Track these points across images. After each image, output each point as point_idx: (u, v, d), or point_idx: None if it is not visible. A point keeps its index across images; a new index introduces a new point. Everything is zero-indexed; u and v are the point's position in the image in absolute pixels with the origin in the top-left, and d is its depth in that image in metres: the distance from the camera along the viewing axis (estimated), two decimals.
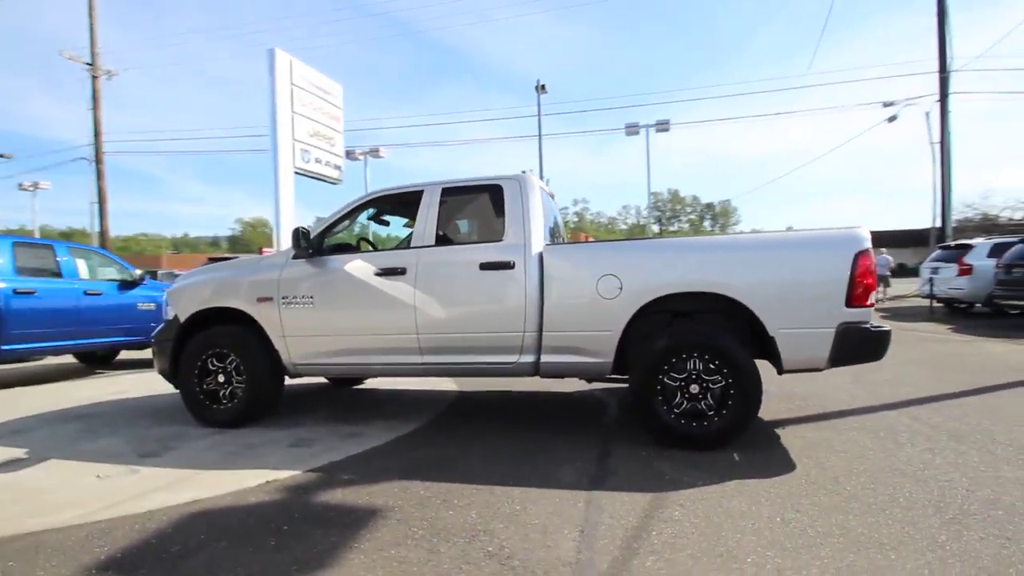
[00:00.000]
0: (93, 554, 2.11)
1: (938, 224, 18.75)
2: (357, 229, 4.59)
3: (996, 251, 10.71)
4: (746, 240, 3.33)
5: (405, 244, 3.86)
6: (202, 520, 2.40)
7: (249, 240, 78.57)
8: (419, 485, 2.76)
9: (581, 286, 3.39)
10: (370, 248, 4.54)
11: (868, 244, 3.10)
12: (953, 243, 12.57)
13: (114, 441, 3.67)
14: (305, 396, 5.07)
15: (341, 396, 5.03)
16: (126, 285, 7.14)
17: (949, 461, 2.95)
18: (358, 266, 3.78)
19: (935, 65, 18.42)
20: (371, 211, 4.35)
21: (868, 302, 3.09)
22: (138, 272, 7.30)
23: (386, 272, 3.70)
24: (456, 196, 3.85)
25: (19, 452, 3.48)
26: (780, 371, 3.26)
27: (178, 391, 4.11)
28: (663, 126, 19.33)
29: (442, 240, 3.73)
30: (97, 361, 7.92)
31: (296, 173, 16.74)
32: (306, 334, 3.84)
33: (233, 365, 3.97)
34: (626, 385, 3.51)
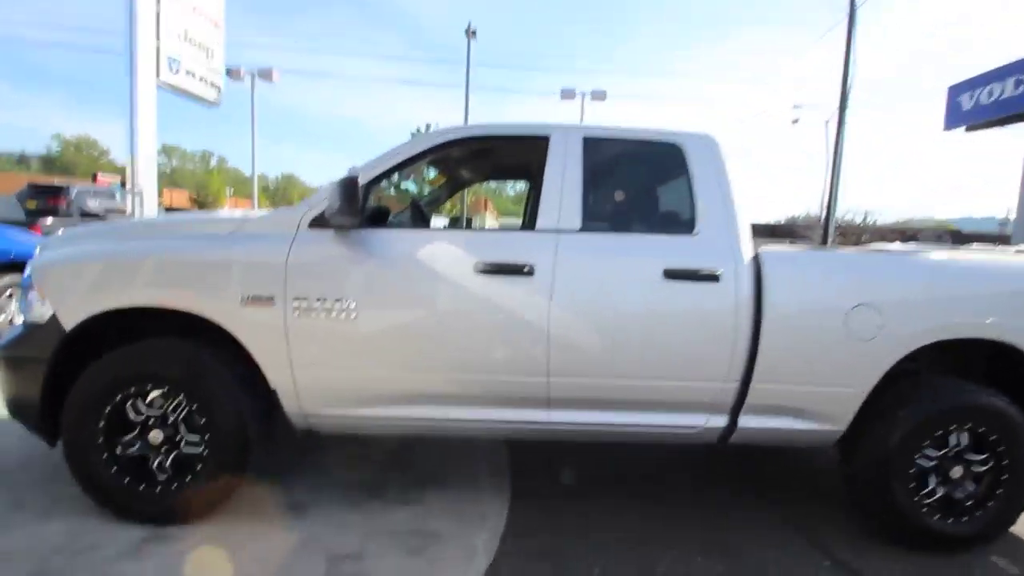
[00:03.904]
0: None
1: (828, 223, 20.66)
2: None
3: None
4: None
5: (527, 221, 2.33)
6: None
7: (71, 163, 64.15)
8: None
9: (822, 317, 2.21)
10: (421, 220, 2.86)
11: None
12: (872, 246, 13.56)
13: None
14: None
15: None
16: None
17: None
18: (442, 253, 2.18)
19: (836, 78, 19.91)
20: (440, 158, 2.67)
21: None
22: None
23: (498, 269, 2.16)
24: (605, 152, 2.38)
25: None
26: None
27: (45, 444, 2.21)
28: (599, 96, 18.48)
29: (588, 223, 2.27)
30: None
31: (160, 87, 13.23)
32: (338, 366, 2.17)
33: (182, 412, 2.16)
34: None
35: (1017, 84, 16.94)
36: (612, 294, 2.19)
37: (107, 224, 2.57)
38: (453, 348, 2.18)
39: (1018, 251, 2.75)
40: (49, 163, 65.66)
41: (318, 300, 2.13)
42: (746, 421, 2.30)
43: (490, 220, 41.19)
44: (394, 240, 2.22)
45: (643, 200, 2.54)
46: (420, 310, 2.17)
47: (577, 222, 2.24)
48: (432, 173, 3.78)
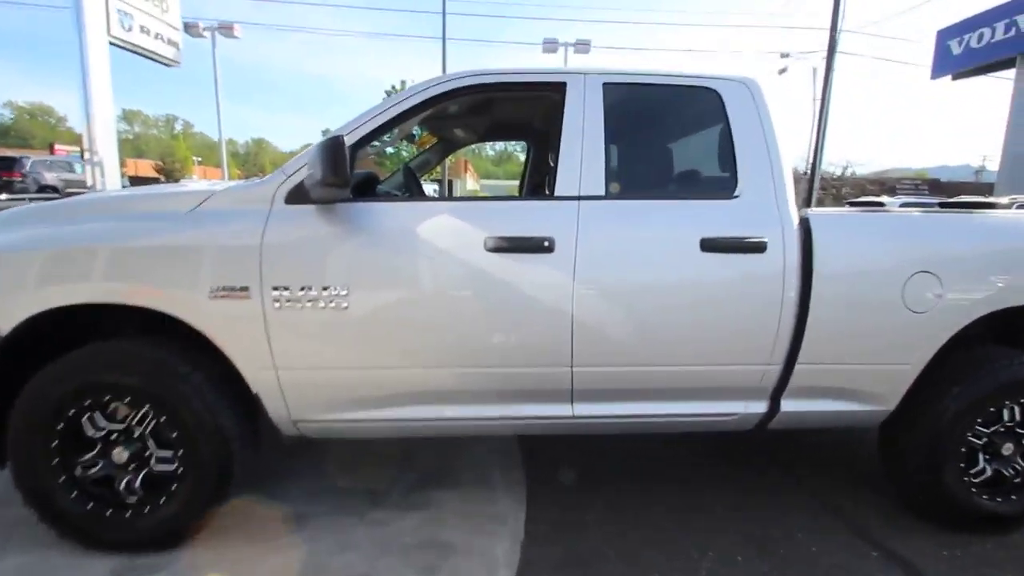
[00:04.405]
0: None
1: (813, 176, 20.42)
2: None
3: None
4: None
5: (529, 188, 2.00)
6: None
7: (26, 132, 60.50)
8: None
9: (876, 288, 1.96)
10: (416, 188, 2.49)
11: None
12: (862, 199, 13.47)
13: None
14: None
15: None
16: None
17: None
18: (446, 228, 1.86)
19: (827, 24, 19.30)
20: (436, 113, 2.30)
21: None
22: None
23: (513, 245, 1.85)
24: (629, 102, 2.04)
25: None
26: None
27: None
28: (583, 47, 17.64)
29: (613, 188, 1.96)
30: None
31: (112, 44, 12.34)
32: (330, 365, 1.87)
33: (149, 425, 1.86)
34: None
35: (1007, 28, 16.61)
36: (642, 271, 1.90)
37: (49, 204, 2.16)
38: (463, 338, 1.89)
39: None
40: (3, 133, 61.89)
41: (302, 289, 1.80)
42: (788, 405, 2.08)
43: (471, 184, 40.29)
44: (388, 214, 1.89)
45: (675, 158, 2.22)
46: (423, 296, 1.85)
47: (600, 187, 1.93)
48: (416, 134, 3.39)
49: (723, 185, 2.00)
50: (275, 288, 1.79)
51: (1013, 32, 15.89)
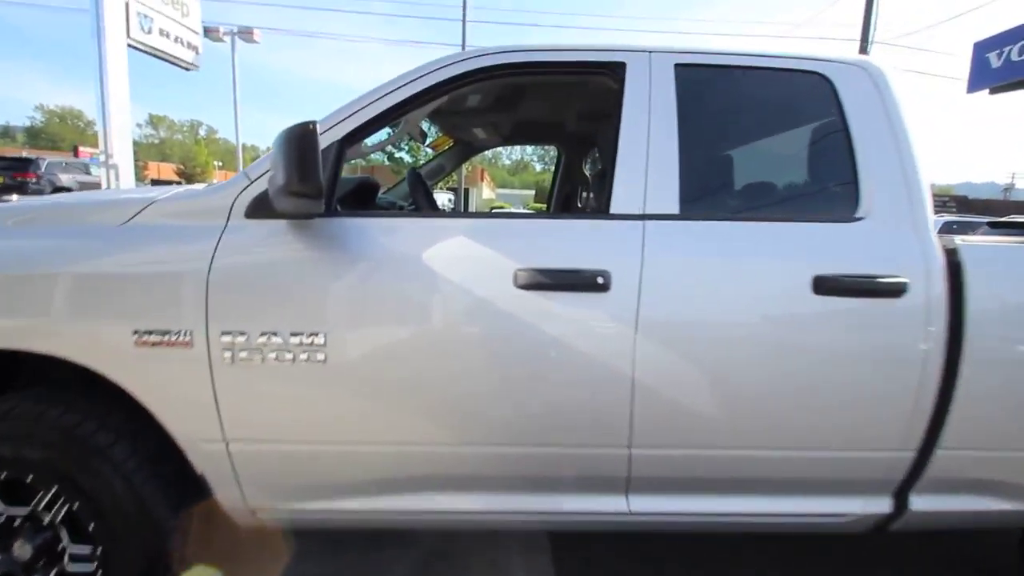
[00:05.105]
0: None
1: None
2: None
3: (944, 229, 11.12)
4: None
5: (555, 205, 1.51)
6: None
7: (57, 135, 61.99)
8: None
9: None
10: (426, 200, 1.99)
11: None
12: None
13: None
14: None
15: None
16: None
17: None
18: (463, 257, 1.36)
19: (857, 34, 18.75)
20: (453, 103, 1.82)
21: None
22: None
23: (551, 282, 1.34)
24: (710, 91, 1.53)
25: None
26: None
27: None
28: None
29: (690, 206, 1.44)
30: None
31: (131, 47, 12.22)
32: (300, 439, 1.38)
33: (61, 511, 1.38)
34: None
35: None
36: (731, 320, 1.37)
37: None
38: (480, 406, 1.38)
39: None
40: (35, 135, 63.62)
41: (264, 335, 1.32)
42: (918, 503, 1.53)
43: (487, 193, 39.97)
44: (383, 234, 1.39)
45: (773, 166, 1.70)
46: (429, 348, 1.35)
47: (674, 203, 1.42)
48: (428, 134, 2.91)
49: (839, 202, 1.47)
50: (226, 333, 1.31)
51: None
